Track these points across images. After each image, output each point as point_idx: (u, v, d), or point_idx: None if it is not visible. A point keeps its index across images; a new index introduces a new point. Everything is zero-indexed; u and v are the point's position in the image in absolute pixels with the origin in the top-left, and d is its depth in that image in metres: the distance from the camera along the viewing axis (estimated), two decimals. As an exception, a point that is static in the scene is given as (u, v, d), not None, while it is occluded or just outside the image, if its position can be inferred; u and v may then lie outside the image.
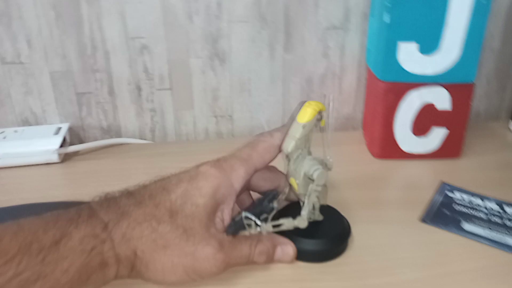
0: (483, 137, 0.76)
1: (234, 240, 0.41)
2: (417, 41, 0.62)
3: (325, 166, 0.47)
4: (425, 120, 0.67)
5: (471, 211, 0.56)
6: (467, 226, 0.54)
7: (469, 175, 0.65)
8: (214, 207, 0.40)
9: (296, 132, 0.45)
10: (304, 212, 0.45)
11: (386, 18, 0.61)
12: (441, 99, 0.65)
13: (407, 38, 0.62)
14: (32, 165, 0.70)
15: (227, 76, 0.76)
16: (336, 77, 0.78)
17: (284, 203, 0.51)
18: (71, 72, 0.73)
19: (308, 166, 0.45)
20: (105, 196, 0.39)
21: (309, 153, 0.48)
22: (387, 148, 0.69)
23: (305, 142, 0.47)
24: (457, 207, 0.57)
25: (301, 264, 0.47)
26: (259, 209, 0.43)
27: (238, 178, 0.42)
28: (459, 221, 0.55)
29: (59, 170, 0.70)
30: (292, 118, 0.47)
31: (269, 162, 0.46)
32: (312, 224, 0.48)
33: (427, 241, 0.52)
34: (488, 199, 0.59)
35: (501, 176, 0.65)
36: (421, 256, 0.50)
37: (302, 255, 0.46)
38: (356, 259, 0.49)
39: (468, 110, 0.66)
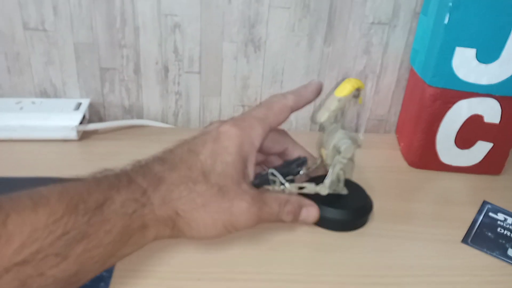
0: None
1: (266, 197, 0.43)
2: (477, 48, 0.57)
3: (355, 141, 0.49)
4: (471, 132, 0.63)
5: (517, 236, 0.53)
6: (513, 252, 0.50)
7: (511, 195, 0.61)
8: (242, 164, 0.42)
9: (331, 104, 0.47)
10: (327, 180, 0.48)
11: (445, 19, 0.56)
12: (492, 111, 0.61)
13: (466, 43, 0.57)
14: (49, 140, 0.66)
15: (260, 64, 0.72)
16: (375, 75, 0.73)
17: (317, 174, 0.53)
18: (96, 45, 0.69)
19: (338, 139, 0.48)
20: (138, 163, 0.41)
21: (343, 128, 0.50)
22: (425, 157, 0.65)
23: (340, 116, 0.49)
24: (502, 231, 0.54)
25: (321, 230, 0.51)
26: (286, 170, 0.47)
27: (257, 136, 0.44)
28: (505, 246, 0.51)
29: (77, 148, 0.66)
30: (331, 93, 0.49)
31: (282, 122, 0.48)
32: (336, 195, 0.50)
33: (471, 265, 0.49)
34: (534, 224, 0.55)
35: (545, 199, 0.61)
36: (465, 282, 0.46)
37: (322, 222, 0.49)
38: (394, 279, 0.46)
39: (518, 126, 0.62)
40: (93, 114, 0.74)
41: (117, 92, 0.73)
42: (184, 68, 0.71)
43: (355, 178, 0.57)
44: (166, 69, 0.71)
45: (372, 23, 0.69)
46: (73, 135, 0.66)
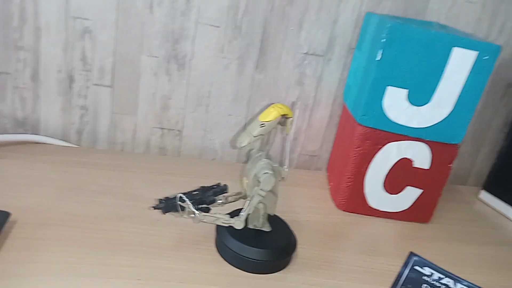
0: (452, 203, 0.70)
1: None
2: (408, 89, 0.54)
3: (279, 173, 0.45)
4: (400, 176, 0.59)
5: (441, 295, 0.48)
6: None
7: (438, 246, 0.58)
8: None
9: (253, 129, 0.44)
10: (243, 213, 0.44)
11: (378, 55, 0.53)
12: (421, 156, 0.58)
13: (398, 83, 0.54)
14: None
15: (183, 84, 0.64)
16: (308, 108, 0.69)
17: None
18: (-15, 42, 0.58)
19: (259, 168, 0.44)
20: None
21: (268, 157, 0.46)
22: (353, 201, 0.60)
23: (264, 144, 0.48)
24: (426, 286, 0.49)
25: (235, 271, 0.45)
26: (199, 197, 0.43)
27: None
28: (429, 307, 0.46)
29: None
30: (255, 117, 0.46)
31: None
32: (257, 232, 0.47)
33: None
34: (460, 281, 0.51)
35: (471, 252, 0.58)
36: None
37: (237, 261, 0.45)
38: None
39: (447, 173, 0.59)
40: (-24, 124, 0.62)
41: (8, 100, 0.61)
42: (92, 80, 0.62)
43: (278, 216, 0.51)
44: (71, 79, 0.61)
45: (306, 53, 0.65)
46: None
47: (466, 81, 0.54)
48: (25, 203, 0.49)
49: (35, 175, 0.55)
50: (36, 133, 0.63)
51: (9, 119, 0.62)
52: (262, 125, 0.43)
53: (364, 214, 0.61)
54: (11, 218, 0.45)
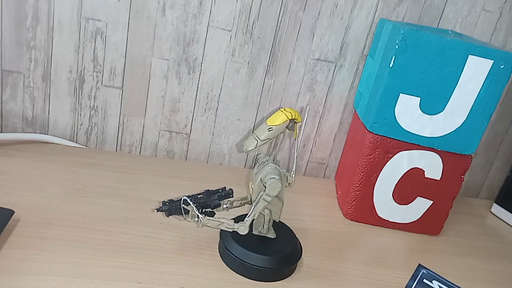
0: (463, 215, 0.68)
1: None
2: (421, 97, 0.53)
3: (285, 179, 0.44)
4: (410, 186, 0.58)
5: (451, 311, 0.47)
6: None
7: (448, 259, 0.56)
8: None
9: (261, 133, 0.42)
10: (248, 218, 0.43)
11: (391, 62, 0.52)
12: (433, 166, 0.56)
13: (411, 90, 0.53)
14: None
15: (193, 87, 0.64)
16: (317, 115, 0.68)
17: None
18: (-2, 41, 0.58)
19: (266, 173, 0.43)
20: None
21: (275, 162, 0.45)
22: (361, 210, 0.59)
23: (271, 148, 0.45)
24: (435, 303, 0.47)
25: (239, 279, 0.44)
26: (204, 200, 0.43)
27: None
28: (438, 323, 0.45)
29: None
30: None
31: None
32: (262, 239, 0.46)
33: None
34: (470, 297, 0.49)
35: (482, 267, 0.56)
36: None
37: (240, 268, 0.44)
38: None
39: (459, 185, 0.58)
40: (-13, 122, 0.62)
41: (19, 99, 0.62)
42: (103, 81, 0.62)
43: (285, 223, 0.51)
44: (82, 80, 0.62)
45: (318, 59, 0.64)
46: None
47: (481, 90, 0.52)
48: (30, 202, 0.48)
49: (41, 174, 0.55)
50: (44, 132, 0.64)
51: (19, 118, 0.62)
52: (270, 129, 0.42)
53: (372, 224, 0.60)
54: (14, 216, 0.45)
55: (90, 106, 0.63)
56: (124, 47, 0.60)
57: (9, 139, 0.59)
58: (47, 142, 0.62)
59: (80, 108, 0.63)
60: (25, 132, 0.62)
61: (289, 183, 0.45)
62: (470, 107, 0.53)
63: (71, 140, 0.64)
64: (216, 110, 0.66)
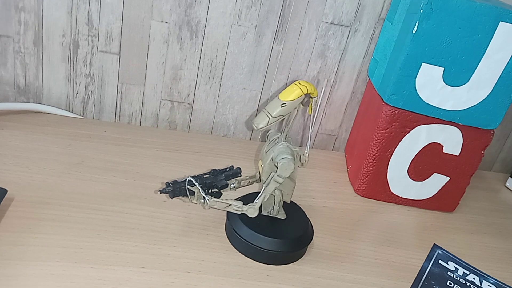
0: (477, 190, 0.66)
1: None
2: (445, 67, 0.48)
3: (298, 159, 0.42)
4: (427, 162, 0.54)
5: (467, 294, 0.45)
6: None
7: (463, 238, 0.54)
8: None
9: (273, 109, 0.39)
10: (257, 200, 0.40)
11: (414, 28, 0.47)
12: (453, 141, 0.53)
13: (434, 60, 0.48)
14: None
15: (196, 53, 0.59)
16: (328, 84, 0.64)
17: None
18: (-17, 1, 0.53)
19: (277, 152, 0.40)
20: None
21: (287, 140, 0.42)
22: (374, 186, 0.56)
23: (284, 125, 0.41)
24: (451, 284, 0.45)
25: (248, 262, 0.41)
26: (211, 180, 0.40)
27: None
28: (454, 308, 0.43)
29: None
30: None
31: None
32: (271, 220, 0.43)
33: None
34: (486, 278, 0.47)
35: (498, 246, 0.54)
36: None
37: (250, 251, 0.41)
38: None
39: (478, 161, 0.55)
40: (-24, 90, 0.58)
41: (9, 66, 0.57)
42: (99, 46, 0.57)
43: (295, 202, 0.48)
44: (76, 45, 0.57)
45: (331, 23, 0.59)
46: None
47: (510, 61, 0.48)
48: (24, 179, 0.46)
49: (36, 147, 0.51)
50: (38, 102, 0.60)
51: (10, 86, 0.58)
52: (283, 104, 0.38)
53: (385, 201, 0.57)
54: (7, 195, 0.42)
55: (86, 74, 0.59)
56: (121, 9, 0.55)
57: (0, 109, 0.56)
58: (41, 112, 0.58)
59: (75, 75, 0.59)
60: (18, 102, 0.59)
61: (302, 163, 0.42)
62: (497, 79, 0.49)
63: (67, 110, 0.61)
64: (221, 78, 0.62)
